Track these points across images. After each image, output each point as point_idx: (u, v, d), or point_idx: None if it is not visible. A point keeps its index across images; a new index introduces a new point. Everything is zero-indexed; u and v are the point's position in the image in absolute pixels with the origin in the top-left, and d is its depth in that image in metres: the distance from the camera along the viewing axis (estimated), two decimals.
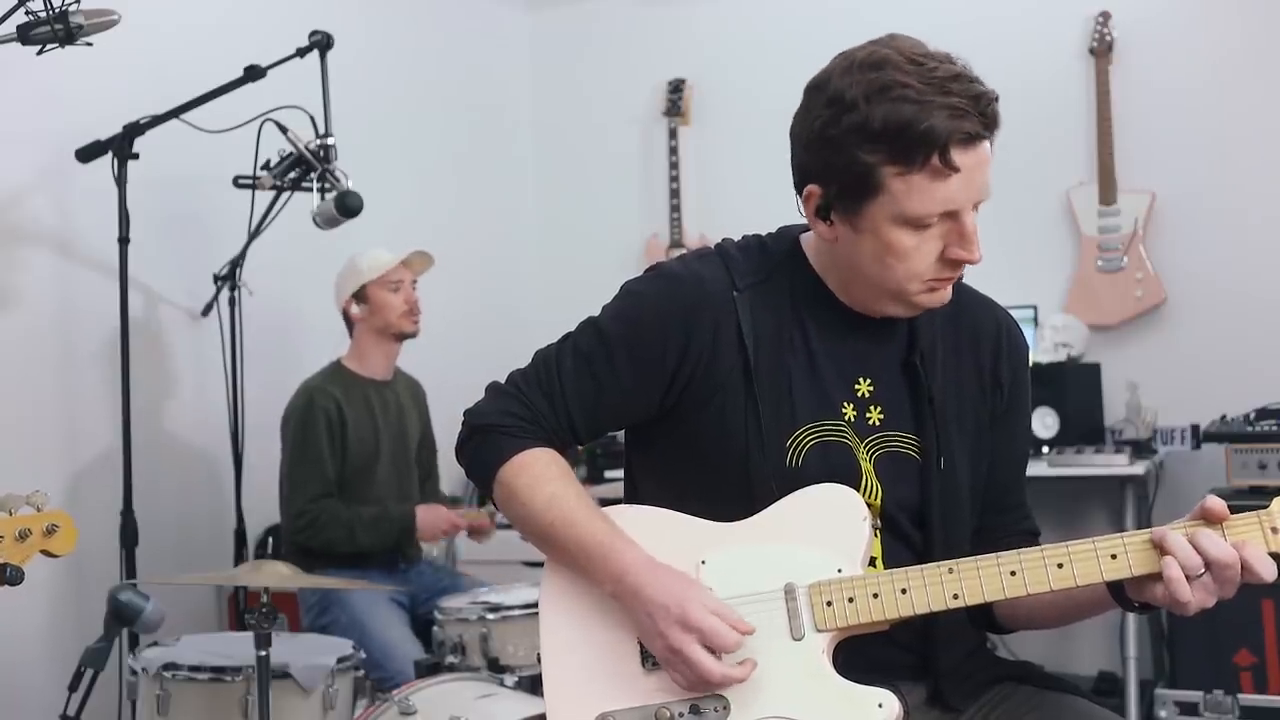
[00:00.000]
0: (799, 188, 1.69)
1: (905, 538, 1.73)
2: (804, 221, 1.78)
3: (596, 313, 1.80)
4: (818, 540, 1.63)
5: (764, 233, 1.83)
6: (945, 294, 1.68)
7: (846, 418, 1.72)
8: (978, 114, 1.56)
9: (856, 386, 1.74)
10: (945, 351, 1.77)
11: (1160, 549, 1.52)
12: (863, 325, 1.75)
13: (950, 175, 1.56)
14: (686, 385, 1.72)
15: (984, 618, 1.78)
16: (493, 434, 1.76)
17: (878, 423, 1.74)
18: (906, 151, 1.55)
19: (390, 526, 3.61)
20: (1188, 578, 1.50)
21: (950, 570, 1.59)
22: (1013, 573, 1.57)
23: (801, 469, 1.69)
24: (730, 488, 1.69)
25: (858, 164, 1.58)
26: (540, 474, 1.73)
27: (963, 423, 1.76)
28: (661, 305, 1.73)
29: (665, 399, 1.73)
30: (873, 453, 1.73)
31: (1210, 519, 1.54)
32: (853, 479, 1.69)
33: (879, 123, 1.55)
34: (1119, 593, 1.60)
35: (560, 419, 1.76)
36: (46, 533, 1.87)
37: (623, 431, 1.86)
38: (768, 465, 1.68)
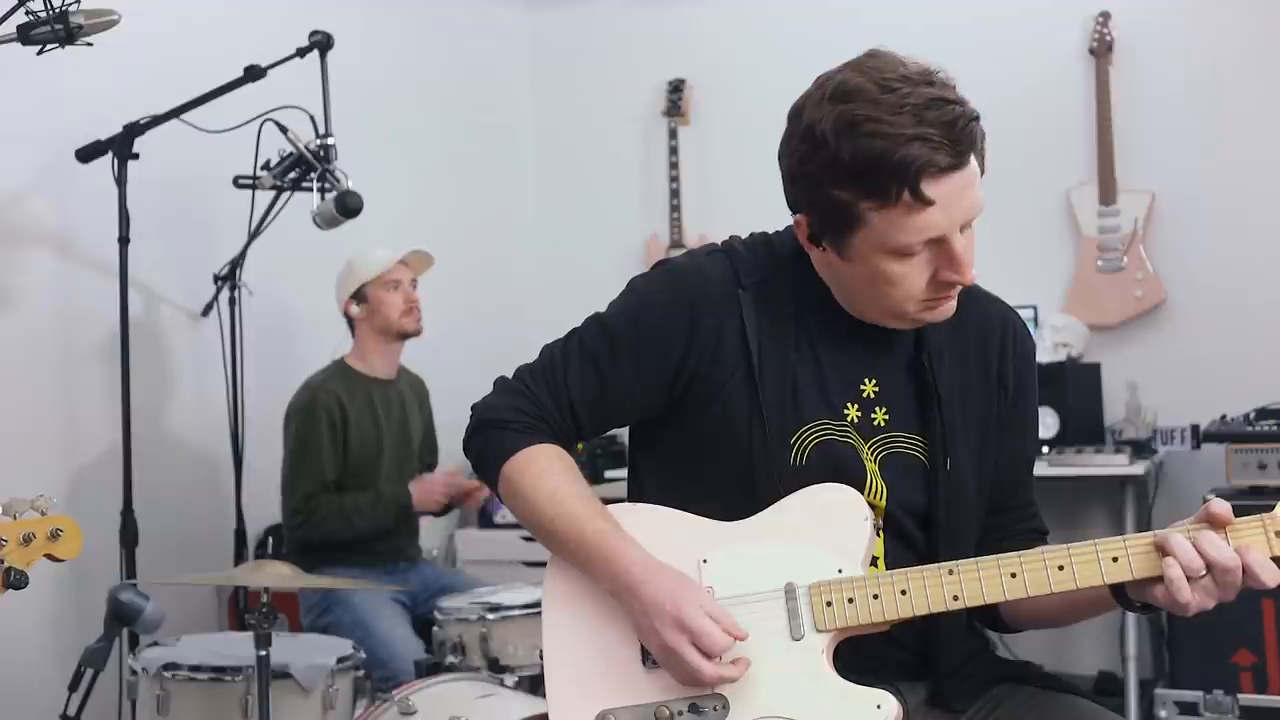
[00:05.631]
0: (791, 211, 1.69)
1: (909, 539, 1.73)
2: None
3: (600, 310, 1.81)
4: (819, 540, 1.63)
5: (771, 231, 1.82)
6: (948, 308, 1.66)
7: (850, 419, 1.72)
8: (950, 142, 1.51)
9: (862, 387, 1.74)
10: (951, 351, 1.77)
11: (1162, 550, 1.53)
12: (867, 326, 1.74)
13: (927, 207, 1.54)
14: (690, 381, 1.72)
15: (988, 617, 1.78)
16: (498, 429, 1.77)
17: (883, 423, 1.73)
18: (878, 187, 1.53)
19: (386, 507, 3.60)
20: (1188, 579, 1.50)
21: (950, 572, 1.59)
22: (1013, 575, 1.57)
23: (806, 466, 1.69)
24: (734, 485, 1.69)
25: (834, 201, 1.57)
26: (543, 470, 1.73)
27: (969, 423, 1.76)
28: (666, 301, 1.74)
29: (669, 395, 1.73)
30: (877, 454, 1.73)
31: (1214, 522, 1.53)
32: (857, 477, 1.69)
33: (848, 158, 1.53)
34: (1120, 594, 1.60)
35: (564, 414, 1.76)
36: (51, 537, 1.88)
37: (627, 431, 1.86)
38: (772, 463, 1.68)
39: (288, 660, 2.65)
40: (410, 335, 3.77)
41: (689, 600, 1.59)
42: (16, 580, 1.83)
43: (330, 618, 3.44)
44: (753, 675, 1.60)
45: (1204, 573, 1.50)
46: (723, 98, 5.06)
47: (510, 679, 2.85)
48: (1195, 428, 4.19)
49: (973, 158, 1.56)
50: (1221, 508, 1.53)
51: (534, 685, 2.87)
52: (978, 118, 1.56)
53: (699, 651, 1.57)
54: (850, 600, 1.60)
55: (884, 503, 1.71)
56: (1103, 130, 4.38)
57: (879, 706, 1.58)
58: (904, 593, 1.59)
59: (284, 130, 3.46)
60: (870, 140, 1.52)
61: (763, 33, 4.94)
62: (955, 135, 1.52)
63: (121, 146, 3.33)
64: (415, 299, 3.76)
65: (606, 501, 1.74)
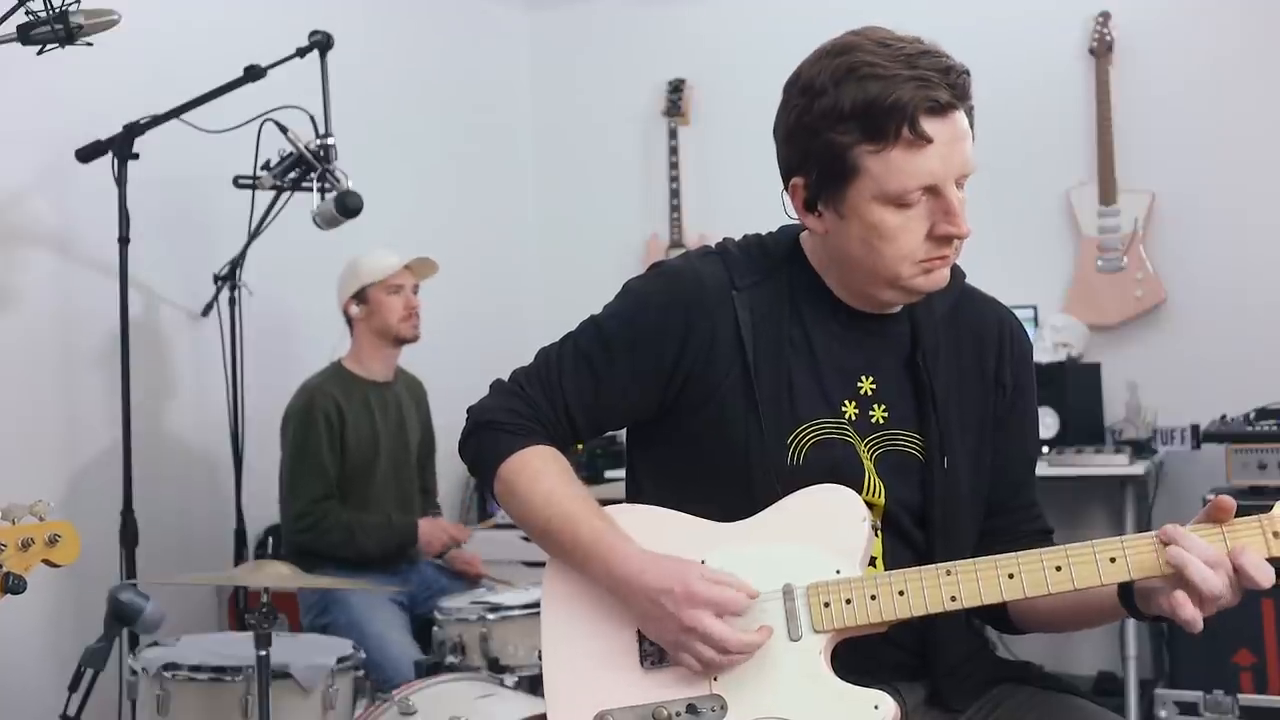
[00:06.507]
0: (786, 183, 1.70)
1: (907, 538, 1.73)
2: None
3: (597, 312, 1.81)
4: (817, 541, 1.63)
5: (765, 232, 1.83)
6: (941, 276, 1.66)
7: (848, 416, 1.72)
8: (946, 85, 1.57)
9: (859, 384, 1.74)
10: (948, 351, 1.77)
11: (1164, 541, 1.51)
12: (864, 323, 1.75)
13: (924, 147, 1.56)
14: (685, 383, 1.72)
15: (995, 617, 1.78)
16: (494, 431, 1.77)
17: (881, 421, 1.73)
18: (877, 128, 1.56)
19: (391, 535, 3.62)
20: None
21: (948, 572, 1.58)
22: (1010, 575, 1.56)
23: (803, 466, 1.69)
24: (731, 486, 1.69)
25: (833, 147, 1.59)
26: (539, 471, 1.74)
27: (966, 423, 1.75)
28: (660, 303, 1.74)
29: (664, 397, 1.73)
30: (874, 451, 1.73)
31: (1216, 515, 1.53)
32: (855, 477, 1.69)
33: (848, 103, 1.57)
34: (1130, 604, 1.60)
35: (560, 416, 1.77)
36: (49, 542, 1.88)
37: (625, 431, 1.86)
38: (769, 463, 1.68)
39: (288, 660, 2.65)
40: (407, 341, 3.77)
41: (693, 574, 1.59)
42: (15, 585, 1.83)
43: (328, 618, 3.44)
44: (751, 676, 1.60)
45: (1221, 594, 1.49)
46: (723, 98, 5.06)
47: (510, 679, 2.85)
48: (1195, 428, 4.19)
49: (965, 113, 1.60)
50: (1226, 502, 1.52)
51: (534, 685, 2.87)
52: (968, 72, 1.60)
53: (721, 621, 1.57)
54: (848, 601, 1.60)
55: (883, 501, 1.71)
56: (1103, 130, 4.38)
57: (877, 707, 1.58)
58: (901, 593, 1.58)
59: (284, 130, 3.46)
60: (868, 82, 1.56)
61: (763, 33, 4.94)
62: (951, 80, 1.57)
63: (121, 146, 3.33)
64: (415, 305, 3.77)
65: (605, 502, 1.74)
